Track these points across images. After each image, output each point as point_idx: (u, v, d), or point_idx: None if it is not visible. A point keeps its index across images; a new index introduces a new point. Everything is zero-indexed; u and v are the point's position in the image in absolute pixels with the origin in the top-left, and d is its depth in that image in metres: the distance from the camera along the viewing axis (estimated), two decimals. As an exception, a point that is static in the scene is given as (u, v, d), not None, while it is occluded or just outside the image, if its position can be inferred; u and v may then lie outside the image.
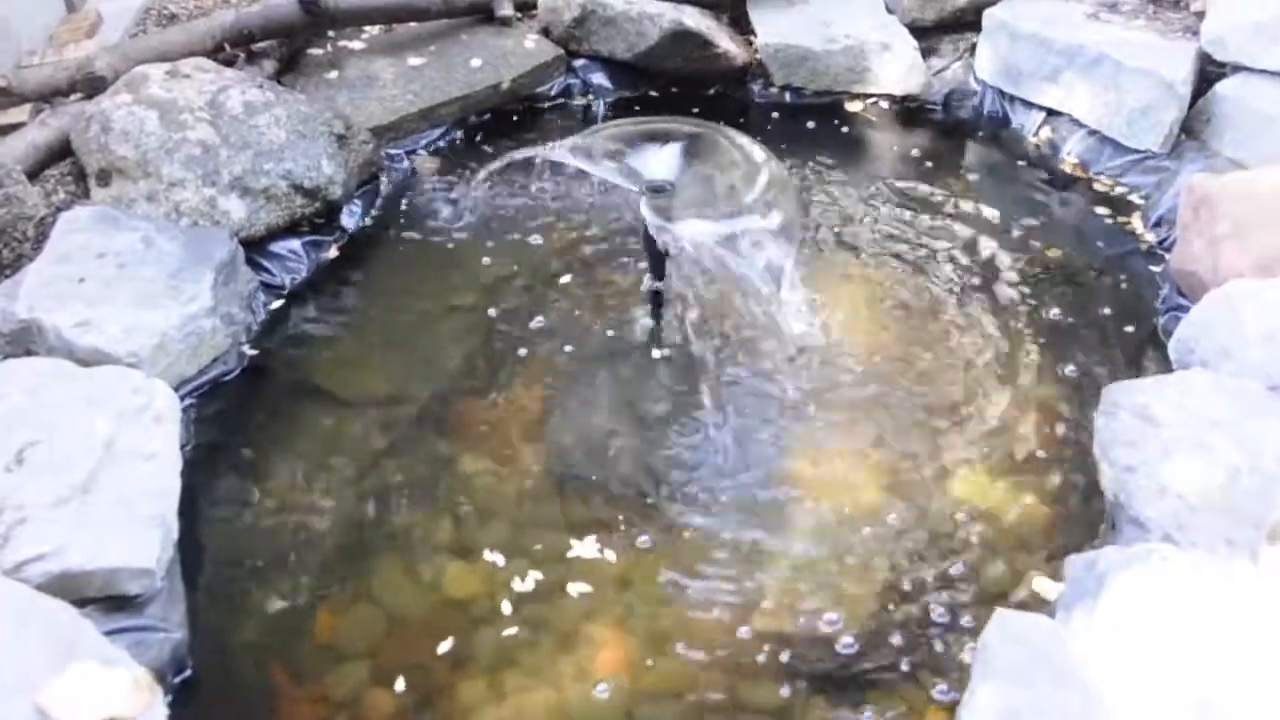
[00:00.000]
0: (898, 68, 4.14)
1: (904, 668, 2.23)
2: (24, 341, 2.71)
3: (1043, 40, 3.91)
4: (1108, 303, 3.21)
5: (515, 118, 4.16)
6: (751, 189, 2.73)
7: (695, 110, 3.96)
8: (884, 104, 4.23)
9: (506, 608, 2.34)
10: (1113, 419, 2.49)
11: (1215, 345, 2.68)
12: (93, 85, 3.46)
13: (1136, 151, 3.72)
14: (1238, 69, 3.65)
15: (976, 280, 3.29)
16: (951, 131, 4.15)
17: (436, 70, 4.07)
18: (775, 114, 4.22)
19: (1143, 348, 3.05)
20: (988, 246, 3.44)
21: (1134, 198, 3.66)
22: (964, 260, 3.38)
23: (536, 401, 2.89)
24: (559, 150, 3.03)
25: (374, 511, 2.59)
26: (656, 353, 3.03)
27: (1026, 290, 3.25)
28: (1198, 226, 3.05)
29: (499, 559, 2.45)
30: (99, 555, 2.13)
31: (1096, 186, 3.75)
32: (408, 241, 3.51)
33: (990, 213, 3.62)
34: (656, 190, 2.76)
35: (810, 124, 4.15)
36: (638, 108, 4.19)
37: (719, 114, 3.31)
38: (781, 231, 2.63)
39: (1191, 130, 3.71)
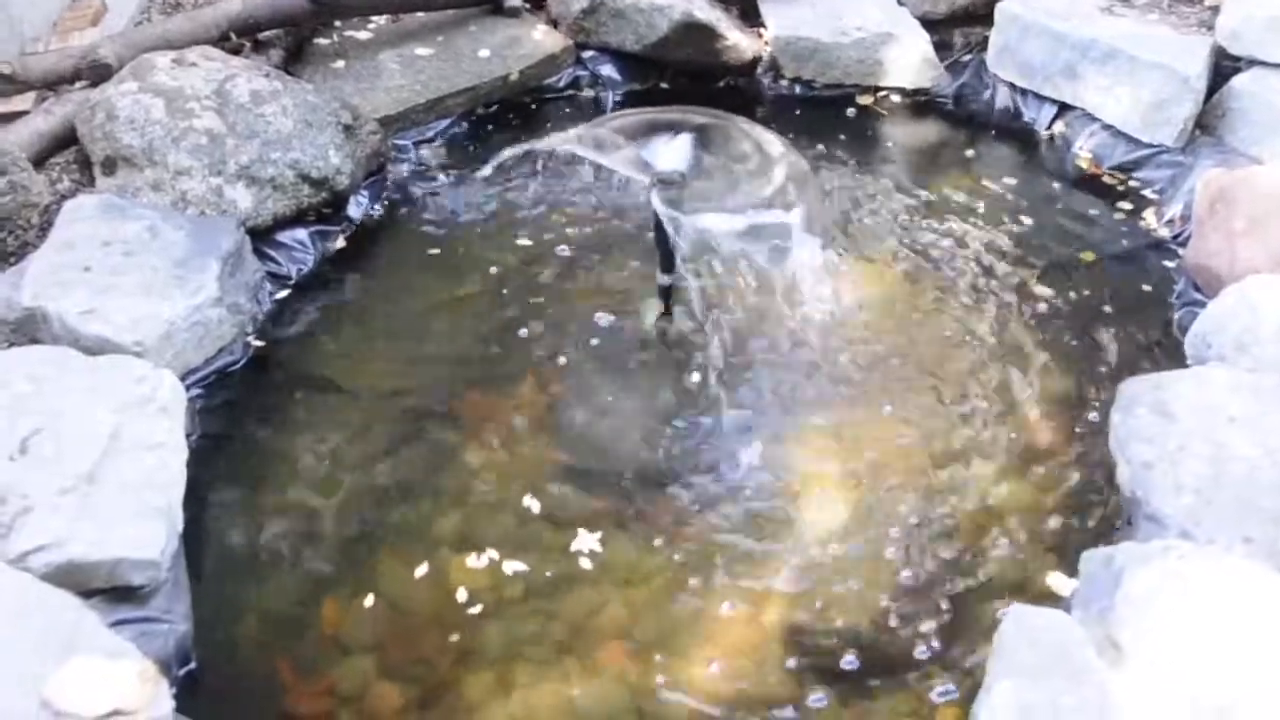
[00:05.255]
0: (909, 61, 4.12)
1: (918, 663, 2.21)
2: (29, 330, 2.69)
3: (1056, 34, 3.87)
4: (1122, 298, 3.19)
5: (523, 109, 4.13)
6: (768, 181, 2.70)
7: (704, 103, 3.93)
8: (895, 97, 4.20)
9: (513, 601, 2.32)
10: (1129, 414, 2.47)
11: (1231, 340, 2.66)
12: (98, 73, 3.43)
13: (1150, 146, 3.68)
14: (1253, 63, 3.63)
15: (989, 275, 3.27)
16: (963, 125, 4.12)
17: (444, 61, 4.05)
18: (785, 106, 4.19)
19: (1158, 343, 3.02)
20: (1000, 241, 3.42)
21: (1148, 193, 3.63)
22: (976, 255, 3.35)
23: (543, 393, 2.87)
24: (568, 141, 3.00)
25: (379, 503, 2.56)
26: (666, 345, 3.01)
27: (1040, 285, 3.23)
28: (1214, 221, 3.03)
29: (505, 552, 2.42)
30: (103, 546, 2.11)
31: (1109, 181, 3.72)
32: (415, 232, 3.49)
33: (1002, 207, 3.60)
34: (667, 181, 2.73)
35: (821, 117, 4.12)
36: (647, 100, 4.15)
37: (729, 106, 3.27)
38: (801, 224, 2.60)
39: (1206, 125, 3.68)
